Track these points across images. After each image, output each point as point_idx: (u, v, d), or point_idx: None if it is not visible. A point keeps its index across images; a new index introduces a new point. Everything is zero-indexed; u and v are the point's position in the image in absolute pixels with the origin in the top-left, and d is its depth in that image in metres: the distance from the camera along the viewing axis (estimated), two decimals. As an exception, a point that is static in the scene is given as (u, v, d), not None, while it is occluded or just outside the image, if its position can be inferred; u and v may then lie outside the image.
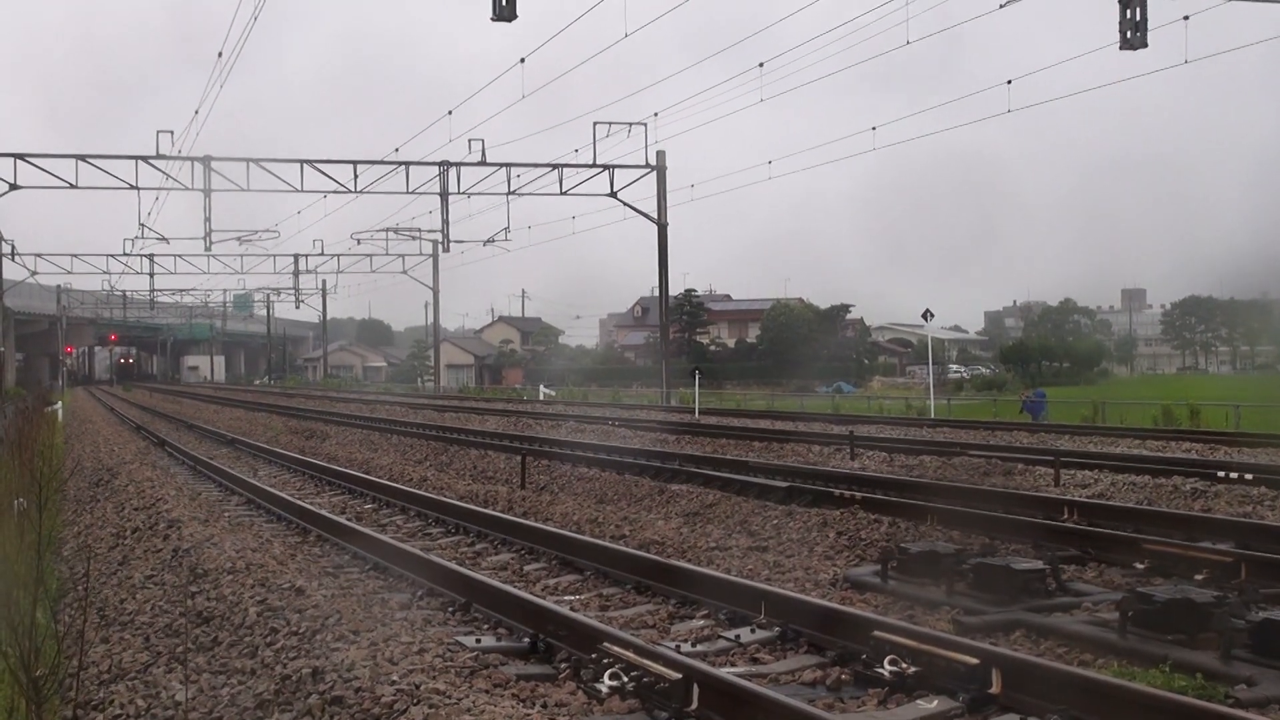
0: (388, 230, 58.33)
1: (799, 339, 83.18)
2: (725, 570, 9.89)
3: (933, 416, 32.80)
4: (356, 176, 40.66)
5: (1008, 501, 12.81)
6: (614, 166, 42.20)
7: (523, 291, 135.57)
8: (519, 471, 18.02)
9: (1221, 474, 15.02)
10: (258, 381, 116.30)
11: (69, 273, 67.85)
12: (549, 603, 8.24)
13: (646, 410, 39.51)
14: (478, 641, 7.43)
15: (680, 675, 6.08)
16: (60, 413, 42.43)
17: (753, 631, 7.71)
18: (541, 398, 57.65)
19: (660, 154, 43.15)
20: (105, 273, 70.61)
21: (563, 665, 7.09)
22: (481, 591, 8.71)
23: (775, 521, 12.69)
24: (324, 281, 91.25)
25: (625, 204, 43.60)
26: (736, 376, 77.82)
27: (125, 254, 59.90)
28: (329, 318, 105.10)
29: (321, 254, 65.76)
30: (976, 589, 8.40)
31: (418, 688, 6.10)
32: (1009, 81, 27.00)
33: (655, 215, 44.55)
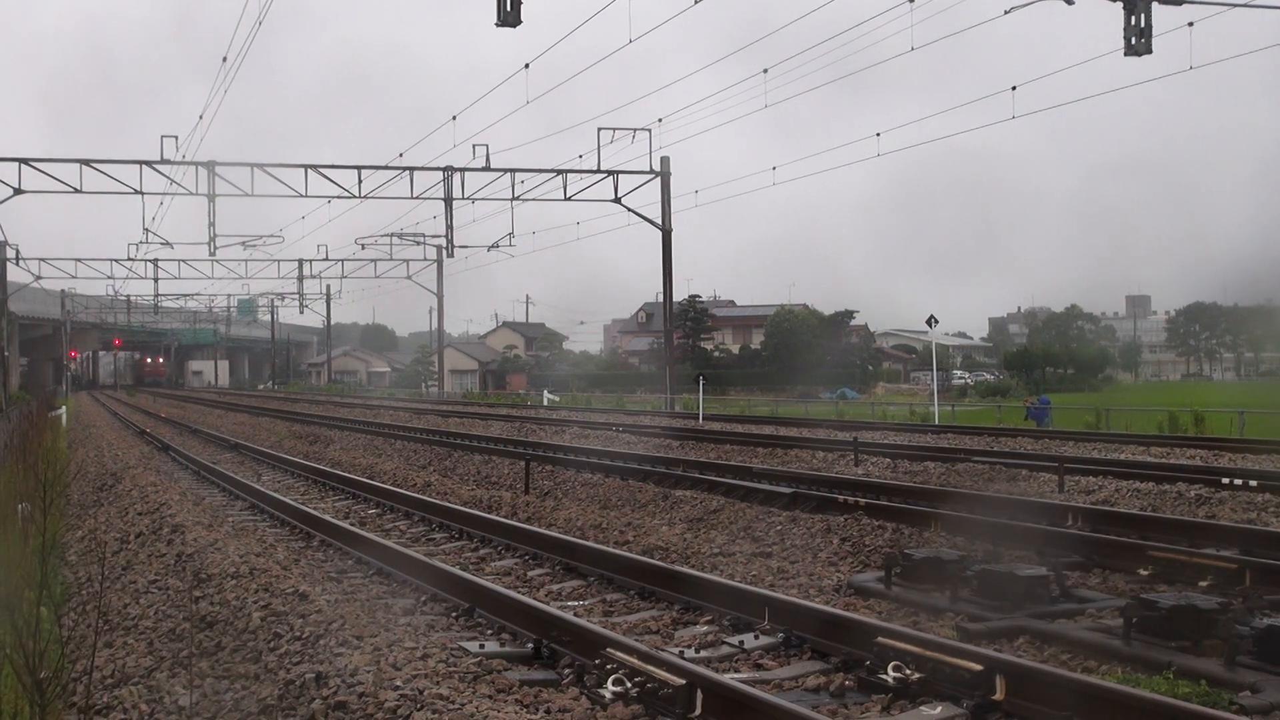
0: (392, 235, 58.42)
1: (803, 345, 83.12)
2: (729, 576, 9.89)
3: (936, 423, 32.77)
4: (361, 182, 40.69)
5: (1011, 508, 12.80)
6: (618, 172, 42.23)
7: (527, 297, 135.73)
8: (523, 477, 18.02)
9: (1226, 480, 15.00)
10: (262, 386, 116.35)
11: (73, 277, 67.72)
12: (553, 608, 8.23)
13: (650, 416, 39.51)
14: (481, 647, 7.43)
15: (684, 681, 6.08)
16: (64, 417, 42.44)
17: (756, 637, 7.71)
18: (545, 403, 57.66)
19: (664, 159, 43.17)
20: (109, 277, 70.62)
21: (566, 671, 7.09)
22: (485, 597, 8.71)
23: (779, 527, 12.69)
24: (328, 286, 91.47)
25: (629, 210, 43.63)
26: (740, 383, 77.73)
27: (129, 259, 59.97)
28: (333, 323, 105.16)
29: (326, 259, 65.81)
30: (980, 595, 8.39)
31: (421, 693, 6.11)
32: (1014, 87, 26.96)
33: (659, 221, 44.55)
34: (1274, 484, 14.36)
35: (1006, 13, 21.94)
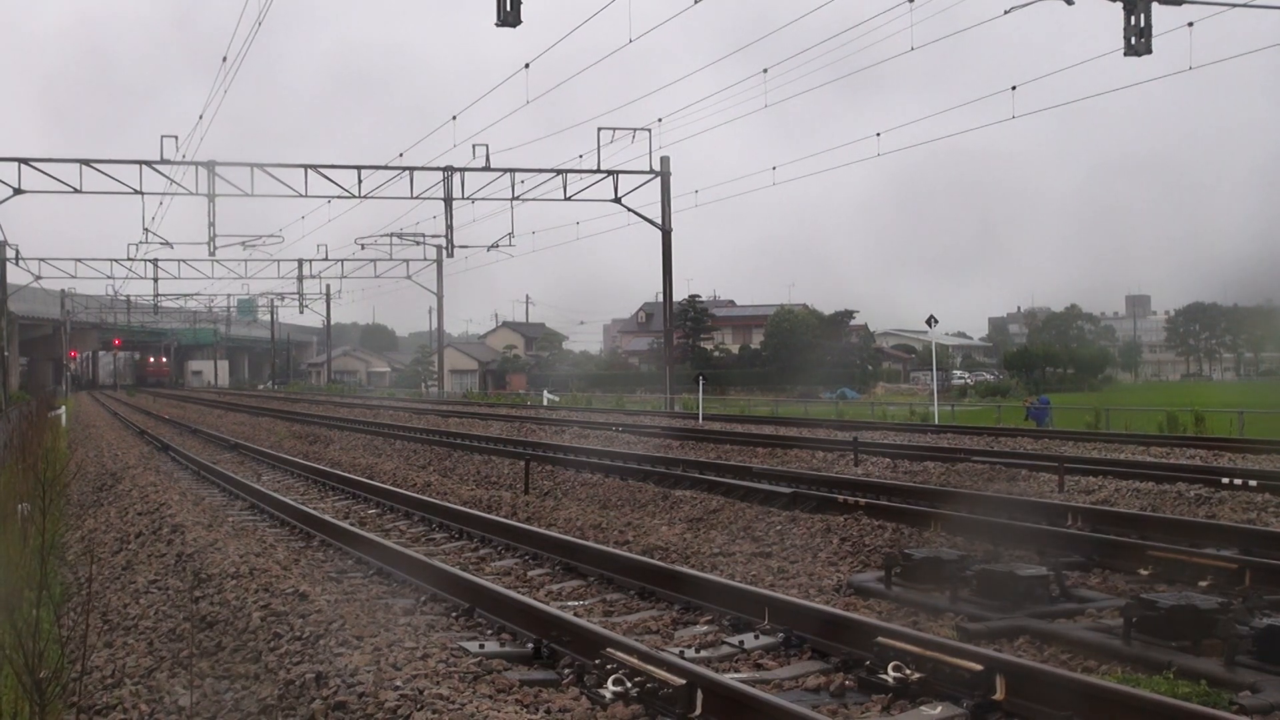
0: (392, 235, 58.42)
1: (803, 345, 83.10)
2: (729, 576, 9.89)
3: (936, 422, 32.77)
4: (361, 181, 40.69)
5: (1011, 507, 12.80)
6: (618, 172, 42.24)
7: (526, 297, 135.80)
8: (523, 477, 18.02)
9: (1226, 480, 15.00)
10: (261, 386, 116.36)
11: (73, 277, 67.69)
12: (552, 608, 8.23)
13: (650, 416, 39.50)
14: (481, 647, 7.43)
15: (684, 681, 6.08)
16: (64, 417, 42.45)
17: (756, 637, 7.70)
18: (545, 403, 57.66)
19: (664, 159, 43.18)
20: (109, 277, 70.64)
21: (566, 671, 7.09)
22: (485, 597, 8.71)
23: (779, 527, 12.69)
24: (328, 286, 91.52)
25: (629, 209, 43.63)
26: (740, 382, 77.74)
27: (129, 259, 60.05)
28: (333, 323, 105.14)
29: (325, 259, 65.84)
30: (980, 595, 8.39)
31: (421, 693, 6.10)
32: (1014, 87, 26.95)
33: (659, 221, 44.56)
34: (1274, 484, 14.36)
35: (1006, 13, 21.94)
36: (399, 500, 15.75)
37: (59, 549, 12.85)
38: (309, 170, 39.98)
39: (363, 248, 59.99)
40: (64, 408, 46.87)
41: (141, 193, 39.83)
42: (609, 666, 6.57)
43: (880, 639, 6.79)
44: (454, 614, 8.67)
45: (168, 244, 49.22)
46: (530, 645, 7.54)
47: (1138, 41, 20.75)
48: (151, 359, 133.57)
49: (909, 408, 43.48)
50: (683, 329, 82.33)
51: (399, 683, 6.29)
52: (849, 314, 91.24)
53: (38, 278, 66.06)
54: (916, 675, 6.41)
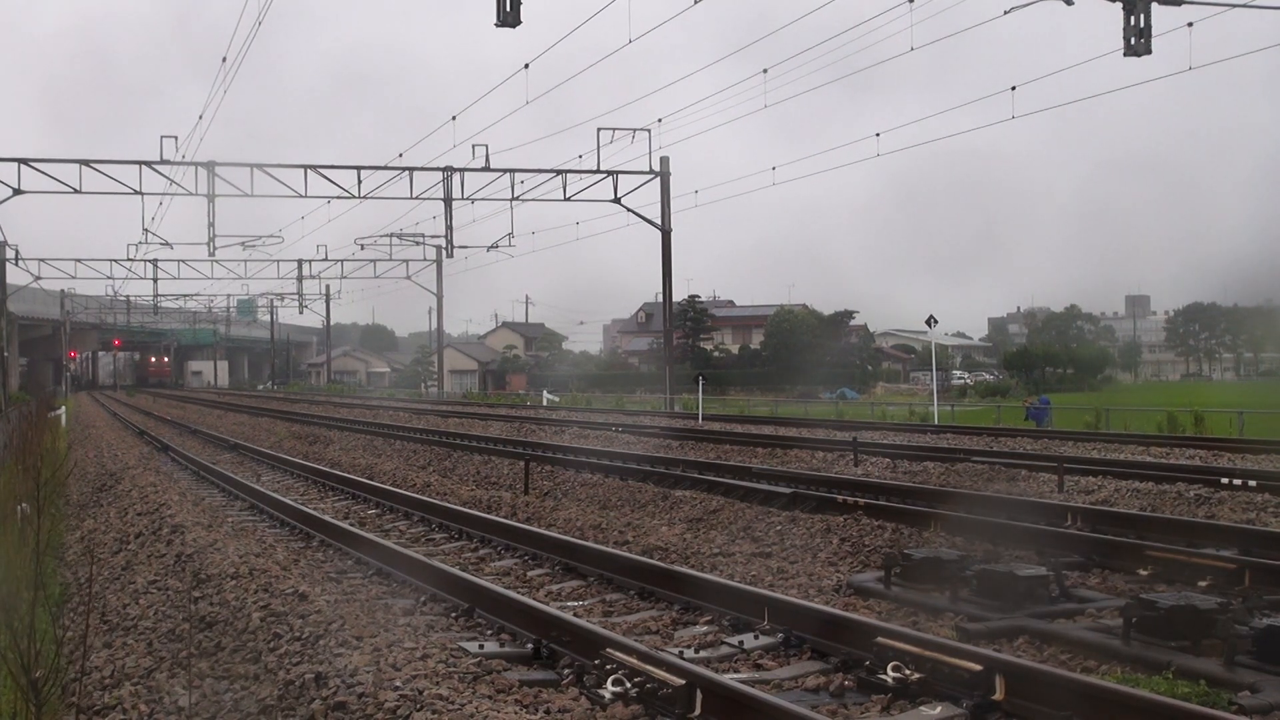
0: (391, 236, 58.43)
1: (803, 345, 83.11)
2: (728, 576, 9.89)
3: (936, 423, 32.76)
4: (360, 182, 40.70)
5: (1011, 508, 12.80)
6: (618, 172, 42.24)
7: (526, 297, 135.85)
8: (522, 477, 18.02)
9: (1225, 480, 15.00)
10: (261, 387, 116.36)
11: (73, 278, 67.72)
12: (552, 608, 8.23)
13: (650, 416, 39.50)
14: (481, 647, 7.43)
15: (684, 681, 6.08)
16: (64, 418, 42.44)
17: (756, 637, 7.70)
18: (545, 403, 57.67)
19: (664, 160, 43.19)
20: (109, 278, 70.87)
21: (566, 671, 7.09)
22: (485, 597, 8.70)
23: (779, 528, 12.69)
24: (327, 287, 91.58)
25: (629, 210, 43.64)
26: (740, 383, 77.75)
27: (129, 259, 60.10)
28: (332, 323, 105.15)
29: (325, 259, 65.87)
30: (980, 595, 8.39)
31: (421, 693, 6.10)
32: (1013, 87, 26.94)
33: (659, 221, 44.57)
34: (1273, 484, 14.36)
35: (1006, 13, 21.93)
36: (399, 500, 15.75)
37: (58, 549, 12.85)
38: (309, 170, 40.00)
39: (362, 248, 60.06)
40: (64, 408, 46.86)
41: (141, 193, 39.86)
42: (609, 667, 6.57)
43: (880, 639, 6.79)
44: (454, 614, 8.67)
45: (167, 244, 49.30)
46: (530, 645, 7.54)
47: (1137, 41, 20.74)
48: (151, 359, 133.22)
49: (909, 408, 43.47)
50: (682, 329, 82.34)
51: (399, 683, 6.29)
52: (849, 314, 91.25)
53: (37, 278, 66.11)
54: (916, 675, 6.41)
